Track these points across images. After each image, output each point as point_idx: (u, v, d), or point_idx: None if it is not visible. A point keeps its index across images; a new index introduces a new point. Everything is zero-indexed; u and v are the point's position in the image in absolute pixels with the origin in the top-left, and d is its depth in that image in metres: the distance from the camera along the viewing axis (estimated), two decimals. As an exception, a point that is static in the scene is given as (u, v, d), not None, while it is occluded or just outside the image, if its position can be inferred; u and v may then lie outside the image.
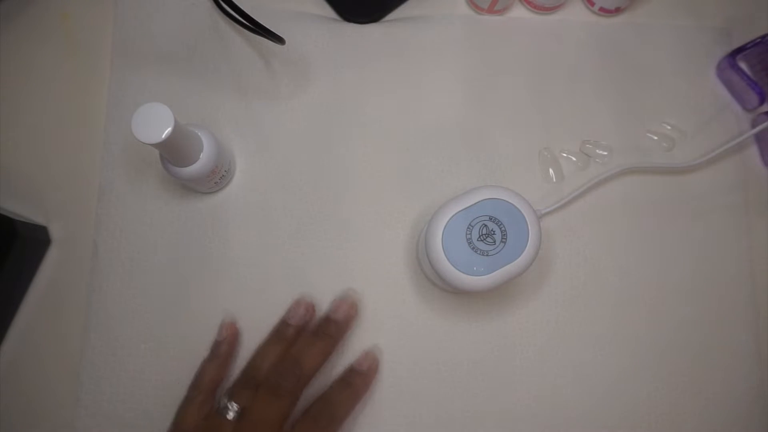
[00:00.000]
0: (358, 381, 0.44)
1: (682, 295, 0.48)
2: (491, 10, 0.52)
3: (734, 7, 0.53)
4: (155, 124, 0.36)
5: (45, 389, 0.46)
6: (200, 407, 0.42)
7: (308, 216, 0.48)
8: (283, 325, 0.45)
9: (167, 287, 0.47)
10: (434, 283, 0.46)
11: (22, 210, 0.48)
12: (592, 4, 0.52)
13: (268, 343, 0.44)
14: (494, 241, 0.40)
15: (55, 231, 0.48)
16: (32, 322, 0.47)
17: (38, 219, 0.48)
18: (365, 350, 0.46)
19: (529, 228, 0.40)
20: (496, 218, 0.40)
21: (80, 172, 0.49)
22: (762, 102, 0.49)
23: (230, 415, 0.40)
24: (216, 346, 0.45)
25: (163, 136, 0.36)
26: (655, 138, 0.50)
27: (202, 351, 0.46)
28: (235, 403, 0.40)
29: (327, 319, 0.45)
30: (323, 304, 0.47)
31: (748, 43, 0.50)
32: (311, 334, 0.44)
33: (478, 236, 0.40)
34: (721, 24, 0.53)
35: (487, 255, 0.39)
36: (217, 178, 0.45)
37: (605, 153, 0.50)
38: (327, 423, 0.41)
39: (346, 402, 0.43)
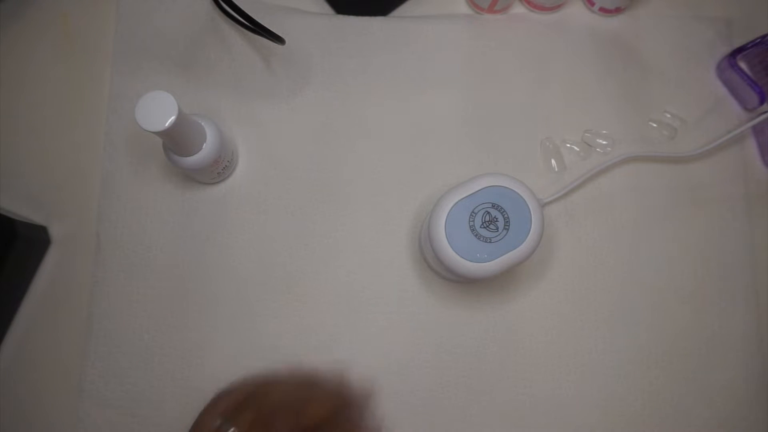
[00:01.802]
0: None
1: (683, 282, 0.48)
2: (491, 10, 0.52)
3: (734, 6, 0.54)
4: (159, 112, 0.36)
5: (45, 388, 0.46)
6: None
7: (311, 207, 0.48)
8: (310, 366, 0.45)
9: (170, 278, 0.47)
10: (437, 272, 0.46)
11: (22, 210, 0.48)
12: (592, 4, 0.52)
13: (292, 370, 0.44)
14: (497, 228, 0.40)
15: (55, 231, 0.48)
16: (32, 322, 0.47)
17: (38, 219, 0.48)
18: None
19: (532, 214, 0.40)
20: (498, 205, 0.40)
21: (80, 172, 0.49)
22: (762, 102, 0.49)
23: None
24: (279, 369, 0.45)
25: (167, 125, 0.36)
26: (656, 126, 0.51)
27: (206, 341, 0.46)
28: (234, 427, 0.39)
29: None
30: (322, 296, 0.47)
31: (749, 43, 0.50)
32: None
33: (480, 223, 0.40)
34: (721, 23, 0.53)
35: (490, 242, 0.39)
36: (219, 169, 0.45)
37: (606, 142, 0.50)
38: None
39: None
